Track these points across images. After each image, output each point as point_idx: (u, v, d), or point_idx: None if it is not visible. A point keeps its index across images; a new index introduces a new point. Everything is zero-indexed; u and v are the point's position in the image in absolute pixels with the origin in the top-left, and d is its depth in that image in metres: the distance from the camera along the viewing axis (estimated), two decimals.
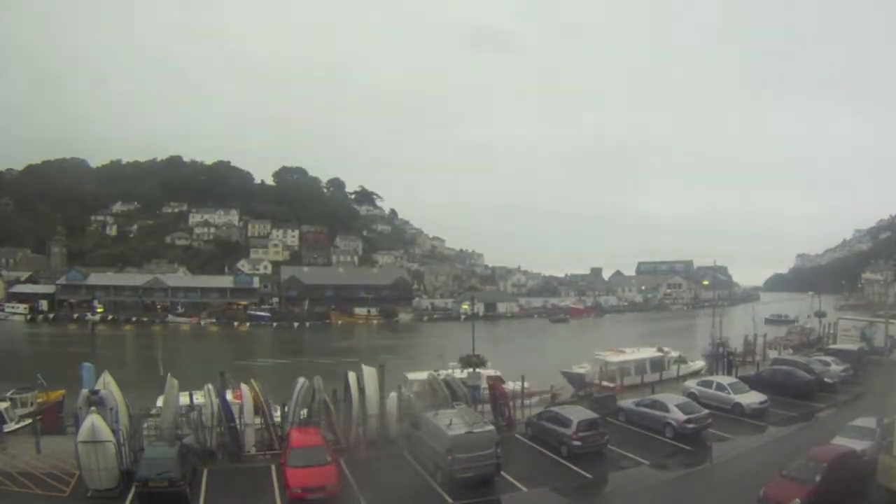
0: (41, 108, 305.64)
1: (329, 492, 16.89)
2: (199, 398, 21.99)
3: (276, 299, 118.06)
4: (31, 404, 26.61)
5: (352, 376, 23.27)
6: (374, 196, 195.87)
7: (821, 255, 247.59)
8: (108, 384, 19.23)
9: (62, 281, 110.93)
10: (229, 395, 21.84)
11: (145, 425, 20.87)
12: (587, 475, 19.53)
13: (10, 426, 23.68)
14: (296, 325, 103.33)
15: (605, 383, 32.19)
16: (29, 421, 23.01)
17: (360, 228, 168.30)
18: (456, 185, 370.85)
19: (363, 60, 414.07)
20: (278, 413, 22.48)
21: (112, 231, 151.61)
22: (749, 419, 25.64)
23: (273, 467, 19.33)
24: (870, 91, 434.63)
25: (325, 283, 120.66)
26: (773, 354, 40.69)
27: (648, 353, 36.83)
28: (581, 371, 34.39)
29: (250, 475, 19.27)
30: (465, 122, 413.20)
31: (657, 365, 35.13)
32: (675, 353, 37.49)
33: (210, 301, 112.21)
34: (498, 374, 31.32)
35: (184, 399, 21.96)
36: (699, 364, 37.67)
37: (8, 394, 26.62)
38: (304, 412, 22.31)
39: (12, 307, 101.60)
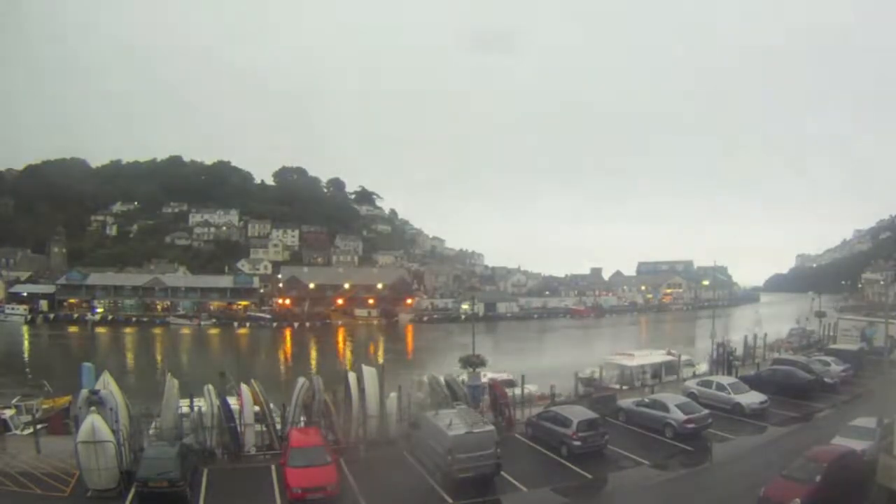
0: (41, 108, 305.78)
1: (329, 492, 16.89)
2: (198, 402, 21.97)
3: (276, 299, 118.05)
4: (37, 411, 26.54)
5: (352, 377, 23.27)
6: (374, 196, 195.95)
7: (821, 255, 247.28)
8: (108, 384, 19.22)
9: (62, 281, 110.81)
10: (233, 402, 21.83)
11: (151, 427, 20.86)
12: (587, 475, 19.51)
13: (16, 433, 23.65)
14: (296, 325, 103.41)
15: (624, 387, 32.15)
16: (32, 429, 22.95)
17: (360, 228, 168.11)
18: (457, 184, 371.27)
19: (364, 61, 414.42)
20: (279, 419, 22.44)
21: (112, 231, 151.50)
22: (749, 419, 25.61)
23: (273, 467, 19.32)
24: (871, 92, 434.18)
25: (325, 283, 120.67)
26: (773, 356, 40.60)
27: (660, 356, 36.82)
28: (594, 375, 34.31)
29: (250, 475, 19.26)
30: (463, 121, 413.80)
31: (670, 368, 35.17)
32: (684, 357, 37.69)
33: (210, 301, 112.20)
34: (510, 377, 31.23)
35: (184, 403, 21.96)
36: (704, 367, 37.83)
37: (13, 401, 26.57)
38: (303, 420, 22.26)
39: (12, 308, 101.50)
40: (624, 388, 32.14)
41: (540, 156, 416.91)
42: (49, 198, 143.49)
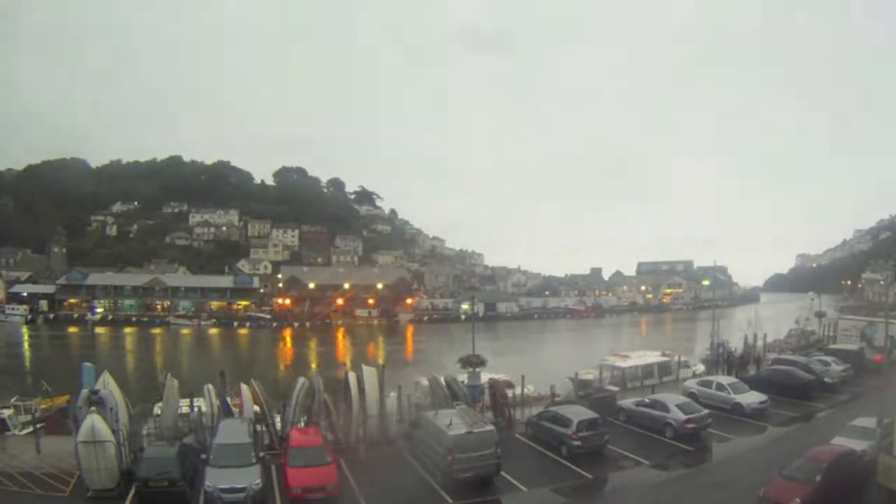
0: (42, 108, 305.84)
1: (329, 492, 16.89)
2: (198, 402, 21.96)
3: (276, 299, 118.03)
4: (35, 411, 26.57)
5: (352, 376, 23.26)
6: (374, 196, 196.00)
7: (821, 255, 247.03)
8: (108, 384, 19.20)
9: (62, 281, 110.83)
10: (233, 402, 21.83)
11: (147, 427, 20.83)
12: (587, 475, 19.51)
13: (15, 433, 23.67)
14: (296, 325, 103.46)
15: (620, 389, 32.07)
16: (32, 429, 22.98)
17: (360, 228, 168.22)
18: (457, 184, 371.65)
19: (364, 60, 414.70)
20: (279, 419, 22.42)
21: (112, 231, 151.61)
22: (749, 419, 25.60)
23: (273, 467, 19.31)
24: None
25: (325, 283, 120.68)
26: (771, 356, 40.57)
27: (655, 357, 36.81)
28: (589, 377, 34.26)
29: None
30: (464, 122, 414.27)
31: (665, 369, 35.15)
32: (682, 358, 37.70)
33: (210, 301, 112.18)
34: (507, 378, 31.18)
35: (184, 403, 21.94)
36: (700, 368, 37.89)
37: (12, 400, 26.60)
38: (303, 420, 22.27)
39: (12, 308, 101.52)
40: (620, 389, 32.05)
41: (540, 155, 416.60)
42: (49, 198, 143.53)
